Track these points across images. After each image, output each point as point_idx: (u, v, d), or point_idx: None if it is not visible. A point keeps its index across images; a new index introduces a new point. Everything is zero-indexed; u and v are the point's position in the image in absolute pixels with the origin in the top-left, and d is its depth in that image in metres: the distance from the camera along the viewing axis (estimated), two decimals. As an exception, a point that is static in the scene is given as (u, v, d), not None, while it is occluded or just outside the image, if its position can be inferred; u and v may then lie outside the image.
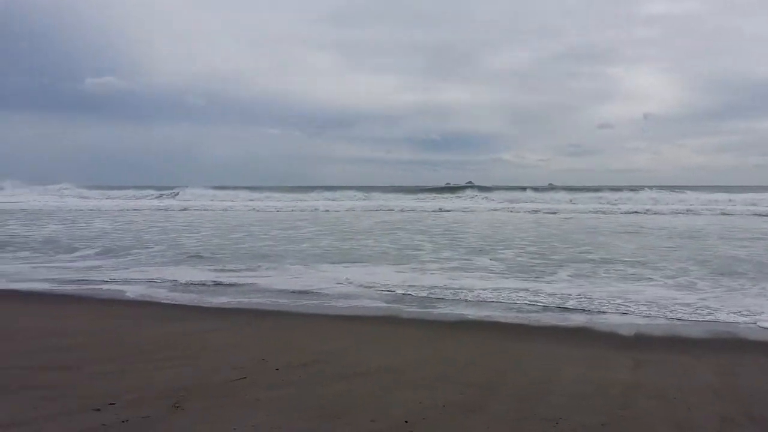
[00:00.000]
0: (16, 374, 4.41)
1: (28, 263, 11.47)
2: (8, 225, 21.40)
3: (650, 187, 43.76)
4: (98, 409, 3.62)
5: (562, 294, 8.34)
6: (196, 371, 4.59)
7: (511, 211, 31.92)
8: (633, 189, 42.41)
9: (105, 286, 9.09)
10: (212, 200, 42.01)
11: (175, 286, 9.16)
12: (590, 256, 12.40)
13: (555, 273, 10.23)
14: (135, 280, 9.61)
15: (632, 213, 29.91)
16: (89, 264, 11.42)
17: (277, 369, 4.65)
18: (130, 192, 49.48)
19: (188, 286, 9.19)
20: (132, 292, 8.66)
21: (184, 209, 33.96)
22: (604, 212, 30.30)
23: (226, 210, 33.65)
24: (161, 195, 48.33)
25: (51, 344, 5.43)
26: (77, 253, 13.01)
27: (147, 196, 48.58)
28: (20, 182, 52.43)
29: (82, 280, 9.60)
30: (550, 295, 8.30)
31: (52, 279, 9.64)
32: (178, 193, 48.43)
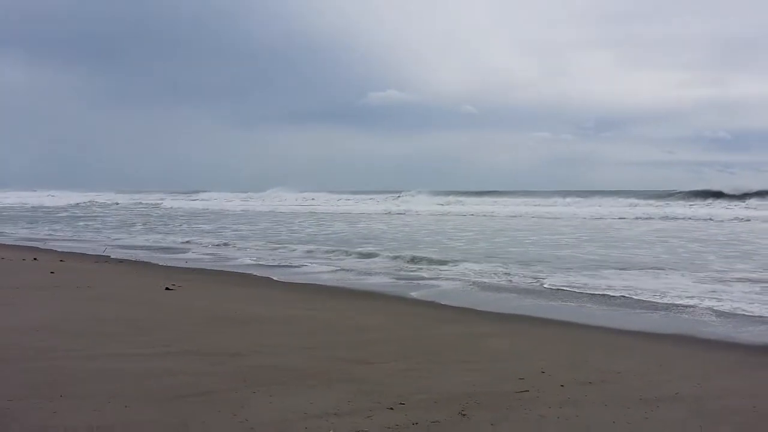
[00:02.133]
0: (327, 366, 4.94)
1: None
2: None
3: None
4: (391, 408, 3.84)
5: None
6: (480, 378, 4.61)
7: None
8: None
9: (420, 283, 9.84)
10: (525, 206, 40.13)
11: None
12: None
13: None
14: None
15: None
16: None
17: (561, 385, 4.43)
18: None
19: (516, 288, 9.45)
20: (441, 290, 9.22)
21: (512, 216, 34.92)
22: None
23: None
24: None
25: (359, 339, 5.97)
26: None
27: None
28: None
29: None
30: None
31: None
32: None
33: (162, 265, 12.36)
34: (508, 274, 10.63)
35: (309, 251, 14.45)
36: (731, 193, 37.76)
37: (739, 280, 9.64)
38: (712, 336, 6.37)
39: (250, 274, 11.17)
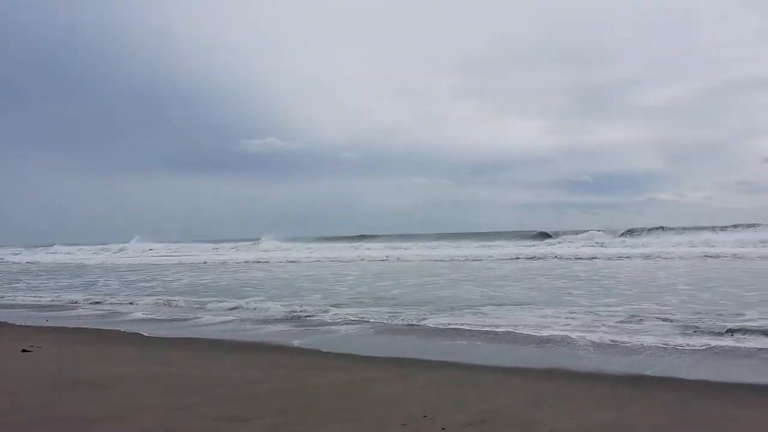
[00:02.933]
0: (197, 427, 4.57)
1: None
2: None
3: None
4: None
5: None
6: (360, 427, 4.44)
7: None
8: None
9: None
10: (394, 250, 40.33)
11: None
12: None
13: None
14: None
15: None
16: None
17: (443, 428, 4.38)
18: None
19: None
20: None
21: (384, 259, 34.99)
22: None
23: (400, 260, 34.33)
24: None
25: (234, 394, 5.61)
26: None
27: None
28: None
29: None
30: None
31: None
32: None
33: (19, 325, 11.18)
34: (393, 315, 10.65)
35: (200, 303, 13.67)
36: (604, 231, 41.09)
37: (608, 313, 10.26)
38: (583, 368, 6.66)
39: (118, 331, 10.36)
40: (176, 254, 43.95)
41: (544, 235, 45.87)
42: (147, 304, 13.96)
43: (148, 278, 22.76)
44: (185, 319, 11.50)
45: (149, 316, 12.04)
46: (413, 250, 38.04)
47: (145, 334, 9.86)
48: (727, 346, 7.55)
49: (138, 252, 49.63)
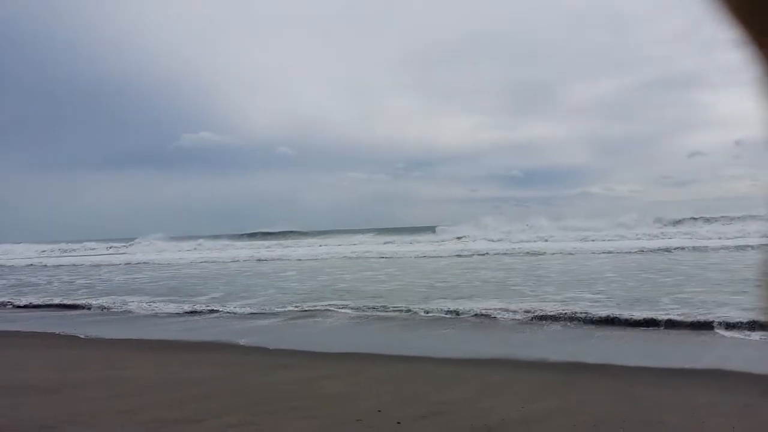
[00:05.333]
0: (151, 429, 4.47)
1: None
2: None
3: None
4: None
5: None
6: (316, 424, 4.47)
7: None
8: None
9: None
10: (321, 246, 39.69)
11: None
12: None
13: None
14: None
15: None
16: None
17: (398, 422, 4.45)
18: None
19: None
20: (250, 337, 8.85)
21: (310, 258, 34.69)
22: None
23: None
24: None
25: (185, 395, 5.52)
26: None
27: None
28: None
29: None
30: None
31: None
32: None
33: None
34: (345, 309, 10.69)
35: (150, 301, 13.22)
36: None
37: (546, 299, 10.61)
38: (530, 357, 6.88)
39: (54, 333, 9.95)
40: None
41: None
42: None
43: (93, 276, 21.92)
44: (123, 320, 11.18)
45: (77, 318, 11.61)
46: (341, 247, 37.37)
47: (82, 337, 9.51)
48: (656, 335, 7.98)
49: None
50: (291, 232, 56.41)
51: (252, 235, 55.76)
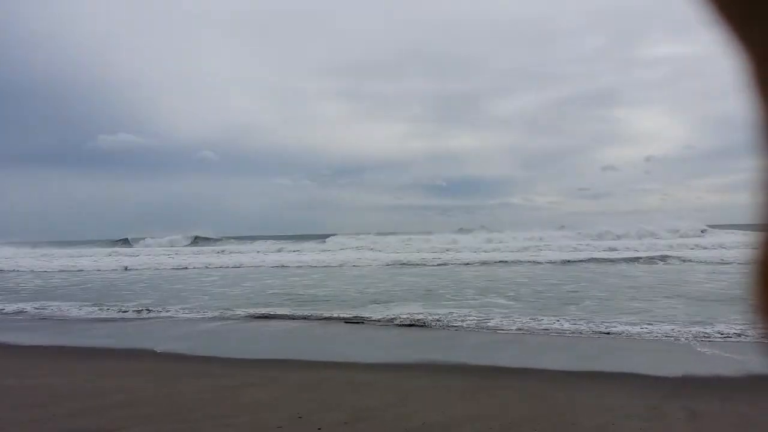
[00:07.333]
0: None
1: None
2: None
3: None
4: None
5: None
6: (236, 433, 4.38)
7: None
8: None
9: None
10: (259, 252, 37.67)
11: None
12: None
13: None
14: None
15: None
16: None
17: (319, 428, 4.43)
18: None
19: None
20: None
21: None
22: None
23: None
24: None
25: (98, 404, 5.25)
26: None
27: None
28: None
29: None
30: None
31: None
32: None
33: None
34: (274, 314, 10.53)
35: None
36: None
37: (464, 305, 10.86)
38: (449, 362, 7.00)
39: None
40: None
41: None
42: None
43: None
44: (33, 328, 10.54)
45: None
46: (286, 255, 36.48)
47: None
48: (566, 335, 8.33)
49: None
50: (200, 238, 54.80)
51: (125, 241, 53.19)
